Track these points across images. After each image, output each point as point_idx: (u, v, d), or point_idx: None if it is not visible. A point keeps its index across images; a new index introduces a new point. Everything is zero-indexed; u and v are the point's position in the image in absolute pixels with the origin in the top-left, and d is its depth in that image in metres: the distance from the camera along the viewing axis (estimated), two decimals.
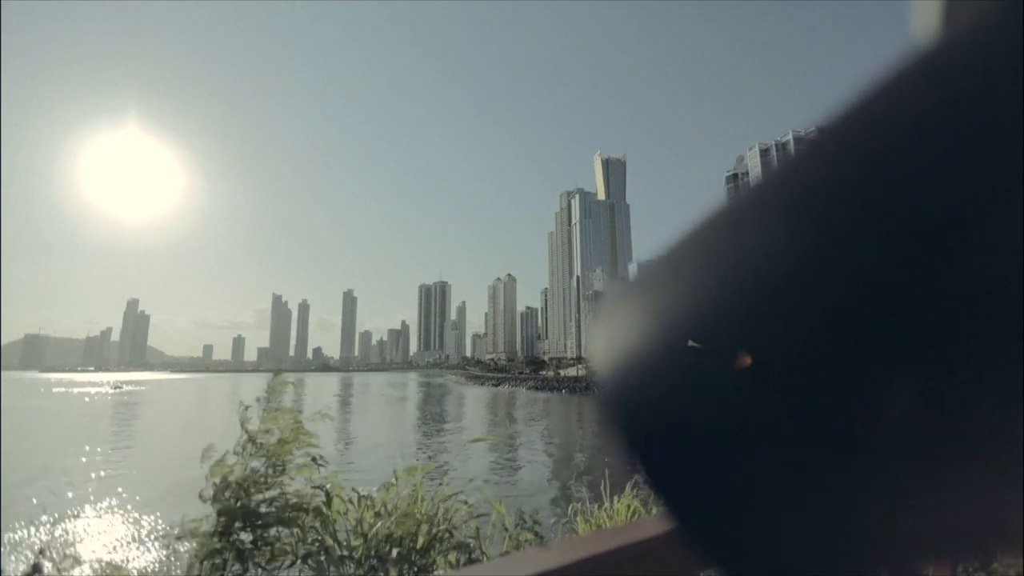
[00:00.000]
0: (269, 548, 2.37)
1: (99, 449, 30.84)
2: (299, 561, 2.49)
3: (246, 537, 2.34)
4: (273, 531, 2.45)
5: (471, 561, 3.23)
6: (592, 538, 0.67)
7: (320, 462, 2.73)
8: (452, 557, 3.15)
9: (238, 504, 2.33)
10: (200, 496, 2.33)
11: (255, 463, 2.46)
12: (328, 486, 2.69)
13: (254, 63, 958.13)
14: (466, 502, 3.34)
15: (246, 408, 2.61)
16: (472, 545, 3.20)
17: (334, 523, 2.71)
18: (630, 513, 4.83)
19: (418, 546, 2.96)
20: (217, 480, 2.35)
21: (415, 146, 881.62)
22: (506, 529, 3.70)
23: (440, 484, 3.41)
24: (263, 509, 2.40)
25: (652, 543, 0.64)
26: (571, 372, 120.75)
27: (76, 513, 16.46)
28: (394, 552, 2.83)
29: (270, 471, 2.49)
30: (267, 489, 2.45)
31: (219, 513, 2.28)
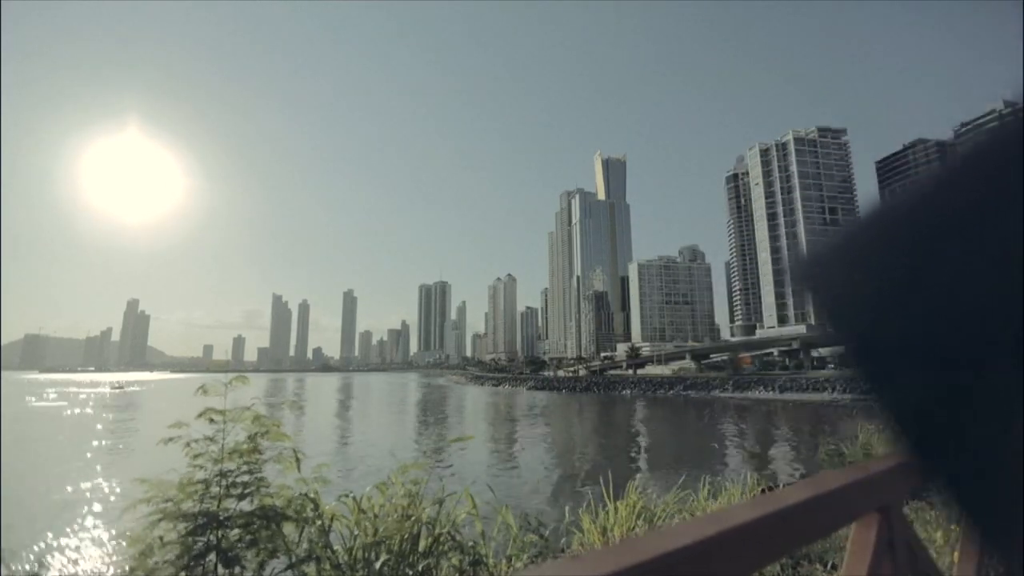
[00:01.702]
0: (256, 551, 2.26)
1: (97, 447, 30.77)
2: (290, 569, 2.38)
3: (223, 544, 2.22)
4: (256, 535, 2.31)
5: (475, 564, 3.16)
6: (647, 539, 0.61)
7: (298, 455, 2.63)
8: (455, 560, 3.08)
9: (206, 511, 2.20)
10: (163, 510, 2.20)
11: (230, 465, 2.37)
12: (311, 492, 2.59)
13: (254, 64, 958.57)
14: (473, 502, 3.27)
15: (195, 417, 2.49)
16: (476, 547, 3.13)
17: (326, 528, 2.61)
18: (635, 515, 4.79)
19: (420, 548, 2.88)
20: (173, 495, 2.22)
21: (415, 146, 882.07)
22: (511, 528, 3.65)
23: (441, 482, 3.35)
24: (237, 513, 2.28)
25: (708, 543, 0.63)
26: (571, 372, 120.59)
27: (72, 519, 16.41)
28: (390, 556, 2.75)
29: (244, 469, 2.39)
30: (244, 491, 2.35)
31: (182, 519, 2.16)
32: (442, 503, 3.00)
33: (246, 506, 2.33)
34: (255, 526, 2.26)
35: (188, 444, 2.36)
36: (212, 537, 2.15)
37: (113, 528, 14.74)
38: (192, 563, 2.08)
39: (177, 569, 2.08)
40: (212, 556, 2.13)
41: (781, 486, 8.30)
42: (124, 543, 2.11)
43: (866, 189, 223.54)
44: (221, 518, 2.20)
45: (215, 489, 2.25)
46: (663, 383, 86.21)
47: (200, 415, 2.49)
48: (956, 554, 1.53)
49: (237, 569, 2.18)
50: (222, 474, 2.30)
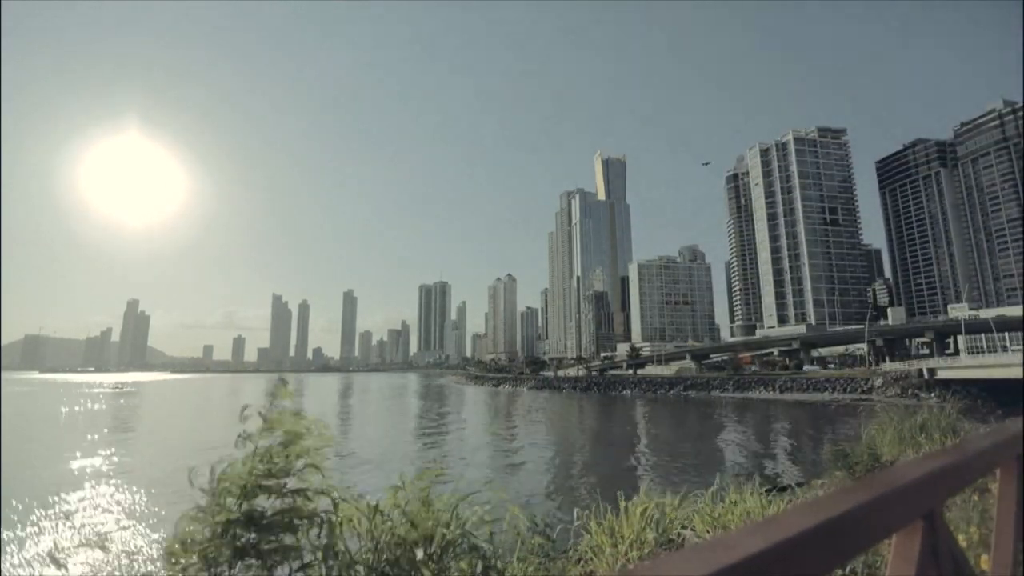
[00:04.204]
0: (278, 552, 2.25)
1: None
2: (303, 571, 2.36)
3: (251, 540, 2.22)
4: (280, 536, 2.31)
5: (486, 567, 3.14)
6: (680, 555, 0.60)
7: (327, 459, 2.60)
8: (465, 563, 3.06)
9: (241, 509, 2.20)
10: (202, 494, 2.20)
11: (260, 466, 2.35)
12: (335, 493, 2.57)
13: (254, 64, 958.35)
14: (479, 506, 3.25)
15: (244, 409, 2.48)
16: (486, 550, 3.11)
17: (340, 528, 2.60)
18: (644, 516, 4.77)
19: (431, 551, 2.87)
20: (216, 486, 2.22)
21: (416, 146, 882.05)
22: (519, 533, 3.63)
23: (452, 484, 3.33)
24: (269, 514, 2.28)
25: (756, 559, 0.61)
26: (571, 372, 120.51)
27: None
28: (405, 558, 2.74)
29: (276, 471, 2.36)
30: (277, 492, 2.34)
31: (221, 517, 2.15)
32: (456, 507, 2.97)
33: (269, 505, 2.31)
34: (280, 527, 2.25)
35: (244, 439, 2.34)
36: (242, 537, 2.15)
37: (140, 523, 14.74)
38: (223, 563, 2.08)
39: (204, 567, 2.07)
40: (240, 556, 2.13)
41: (792, 486, 8.27)
42: (157, 540, 2.24)
43: (866, 189, 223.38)
44: (251, 518, 2.20)
45: (248, 489, 2.25)
46: (663, 383, 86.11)
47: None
48: (985, 558, 1.46)
49: (260, 569, 2.17)
50: (258, 474, 2.29)
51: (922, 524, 1.00)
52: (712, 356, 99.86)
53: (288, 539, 2.29)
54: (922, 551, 0.98)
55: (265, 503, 2.29)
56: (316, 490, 2.46)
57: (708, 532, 4.98)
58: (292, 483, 2.40)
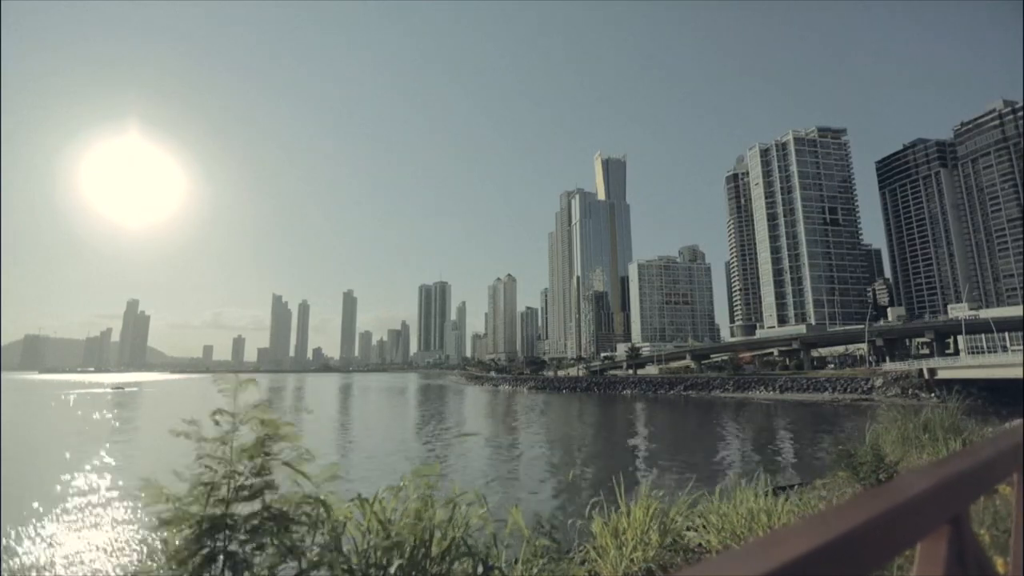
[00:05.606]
0: (265, 555, 2.17)
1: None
2: (300, 575, 2.28)
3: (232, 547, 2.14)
4: (264, 539, 2.21)
5: (487, 569, 3.08)
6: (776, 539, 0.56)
7: (306, 456, 2.49)
8: (467, 564, 2.99)
9: (213, 514, 2.10)
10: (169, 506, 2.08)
11: (238, 467, 2.25)
12: (324, 495, 2.46)
13: (255, 65, 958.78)
14: (480, 506, 3.18)
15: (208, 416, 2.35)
16: (489, 552, 3.05)
17: (337, 532, 2.50)
18: (649, 518, 4.71)
19: (432, 554, 2.80)
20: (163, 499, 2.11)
21: (416, 147, 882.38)
22: (524, 535, 3.56)
23: (452, 484, 3.26)
24: (246, 516, 2.18)
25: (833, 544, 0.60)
26: (571, 372, 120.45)
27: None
28: (404, 561, 2.66)
29: (251, 472, 2.28)
30: (251, 494, 2.24)
31: (192, 524, 2.08)
32: (455, 507, 2.90)
33: (254, 508, 2.22)
34: (264, 529, 2.15)
35: (197, 445, 2.24)
36: (220, 541, 2.05)
37: (120, 528, 14.68)
38: (199, 568, 1.99)
39: (183, 573, 1.99)
40: (219, 561, 2.03)
41: (794, 486, 8.20)
42: (129, 545, 2.16)
43: (866, 189, 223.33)
44: (228, 522, 2.09)
45: (223, 492, 2.14)
46: (663, 383, 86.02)
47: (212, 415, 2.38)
48: (1000, 562, 1.44)
49: (246, 574, 2.08)
50: (230, 476, 2.18)
51: (948, 529, 0.99)
52: (712, 356, 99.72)
53: (270, 543, 2.19)
54: (948, 557, 0.97)
55: (239, 508, 2.18)
56: (299, 497, 2.36)
57: (712, 533, 4.92)
58: (271, 481, 2.30)
